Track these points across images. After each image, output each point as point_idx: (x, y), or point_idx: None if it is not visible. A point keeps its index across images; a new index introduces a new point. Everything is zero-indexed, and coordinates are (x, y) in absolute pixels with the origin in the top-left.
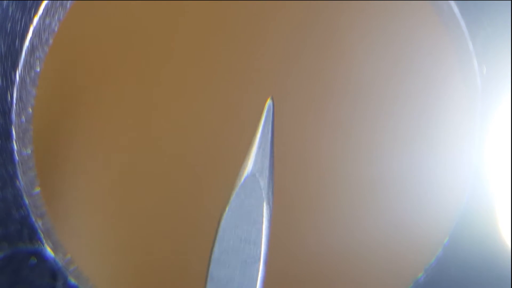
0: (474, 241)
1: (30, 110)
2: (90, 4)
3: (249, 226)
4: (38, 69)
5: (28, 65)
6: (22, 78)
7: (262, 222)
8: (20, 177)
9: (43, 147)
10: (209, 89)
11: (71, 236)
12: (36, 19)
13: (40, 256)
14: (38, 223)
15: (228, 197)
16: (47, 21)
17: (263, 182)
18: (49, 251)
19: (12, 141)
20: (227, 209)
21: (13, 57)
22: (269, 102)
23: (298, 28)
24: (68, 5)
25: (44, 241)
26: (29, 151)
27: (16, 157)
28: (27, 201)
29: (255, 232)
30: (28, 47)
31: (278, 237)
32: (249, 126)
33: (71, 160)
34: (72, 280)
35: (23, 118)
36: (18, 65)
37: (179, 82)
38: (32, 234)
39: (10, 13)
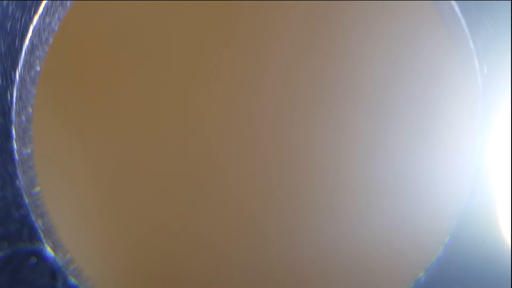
0: (475, 240)
1: (30, 109)
2: (90, 3)
3: None
4: (38, 69)
5: (28, 65)
6: (22, 78)
7: None
8: (20, 177)
9: (43, 147)
10: (209, 89)
11: (71, 236)
12: (36, 18)
13: (40, 255)
14: (38, 223)
15: None
16: (47, 20)
17: None
18: (49, 250)
19: (12, 140)
20: None
21: (13, 56)
22: None
23: (298, 27)
24: (68, 4)
25: (44, 240)
26: (29, 151)
27: (16, 156)
28: (27, 201)
29: None
30: (28, 46)
31: (278, 236)
32: (249, 126)
33: (71, 160)
34: (72, 280)
35: (23, 118)
36: (18, 65)
37: (179, 82)
38: (32, 234)
39: (10, 12)
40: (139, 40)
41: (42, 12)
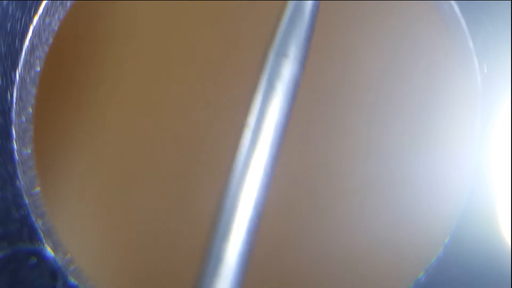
0: (475, 240)
1: (30, 109)
2: (90, 4)
3: None
4: (38, 69)
5: (28, 65)
6: (22, 78)
7: None
8: (20, 177)
9: (43, 147)
10: (209, 89)
11: (71, 236)
12: (36, 19)
13: (40, 256)
14: (38, 223)
15: None
16: (47, 20)
17: None
18: (49, 251)
19: (12, 140)
20: None
21: (13, 56)
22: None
23: None
24: (68, 5)
25: (44, 241)
26: (29, 151)
27: (16, 156)
28: (27, 201)
29: None
30: (28, 47)
31: (278, 237)
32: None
33: (71, 160)
34: (72, 280)
35: (23, 118)
36: (18, 65)
37: (179, 82)
38: (32, 234)
39: (10, 13)
40: (139, 40)
41: (42, 12)
